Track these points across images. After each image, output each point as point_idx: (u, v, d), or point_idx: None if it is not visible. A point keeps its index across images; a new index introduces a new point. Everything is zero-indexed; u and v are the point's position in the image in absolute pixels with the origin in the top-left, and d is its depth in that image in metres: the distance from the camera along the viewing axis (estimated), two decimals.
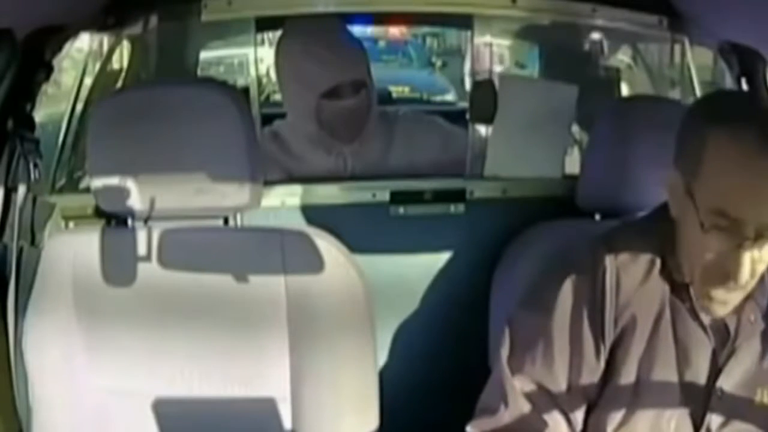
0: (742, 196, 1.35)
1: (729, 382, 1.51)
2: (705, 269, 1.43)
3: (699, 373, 1.52)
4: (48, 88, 1.96)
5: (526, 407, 1.51)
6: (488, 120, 2.16)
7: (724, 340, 1.52)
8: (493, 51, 2.34)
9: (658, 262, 1.52)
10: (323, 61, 2.13)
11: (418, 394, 2.13)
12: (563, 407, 1.52)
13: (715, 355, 1.51)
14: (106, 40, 2.67)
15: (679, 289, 1.51)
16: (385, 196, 2.11)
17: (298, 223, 2.05)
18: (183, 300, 1.80)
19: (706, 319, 1.50)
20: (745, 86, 2.04)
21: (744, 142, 1.33)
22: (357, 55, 2.22)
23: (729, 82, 2.14)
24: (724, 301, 1.45)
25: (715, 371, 1.51)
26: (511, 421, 1.51)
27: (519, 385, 1.52)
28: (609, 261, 1.52)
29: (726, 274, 1.39)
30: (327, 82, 2.14)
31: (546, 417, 1.51)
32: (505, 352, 1.55)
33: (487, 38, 2.30)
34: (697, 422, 1.52)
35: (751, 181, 1.34)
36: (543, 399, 1.52)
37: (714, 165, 1.37)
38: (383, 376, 1.85)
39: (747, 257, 1.37)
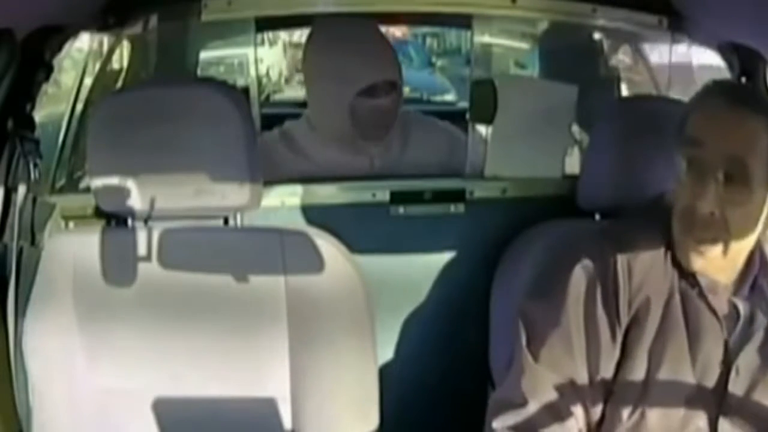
0: (706, 122, 1.47)
1: (743, 364, 1.53)
2: (680, 214, 1.49)
3: (711, 356, 1.54)
4: (48, 88, 1.96)
5: (549, 397, 1.52)
6: (488, 120, 2.16)
7: (735, 324, 1.54)
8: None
9: (662, 250, 1.55)
10: (363, 58, 2.13)
11: (418, 393, 2.13)
12: (583, 394, 1.53)
13: (728, 337, 1.53)
14: (106, 40, 2.66)
15: (687, 277, 1.54)
16: (385, 196, 2.11)
17: (298, 223, 2.05)
18: (183, 300, 1.80)
19: (714, 303, 1.53)
20: None
21: (712, 97, 1.50)
22: (391, 55, 2.22)
23: None
24: (700, 251, 1.50)
25: (729, 354, 1.53)
26: (536, 413, 1.52)
27: (542, 374, 1.53)
28: (617, 251, 1.54)
29: (692, 208, 1.46)
30: (365, 79, 2.12)
31: (569, 406, 1.52)
32: (522, 344, 1.56)
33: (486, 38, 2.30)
34: (713, 406, 1.53)
35: (714, 112, 1.47)
36: (565, 387, 1.52)
37: (690, 118, 1.50)
38: (383, 375, 1.85)
39: (710, 190, 1.43)
